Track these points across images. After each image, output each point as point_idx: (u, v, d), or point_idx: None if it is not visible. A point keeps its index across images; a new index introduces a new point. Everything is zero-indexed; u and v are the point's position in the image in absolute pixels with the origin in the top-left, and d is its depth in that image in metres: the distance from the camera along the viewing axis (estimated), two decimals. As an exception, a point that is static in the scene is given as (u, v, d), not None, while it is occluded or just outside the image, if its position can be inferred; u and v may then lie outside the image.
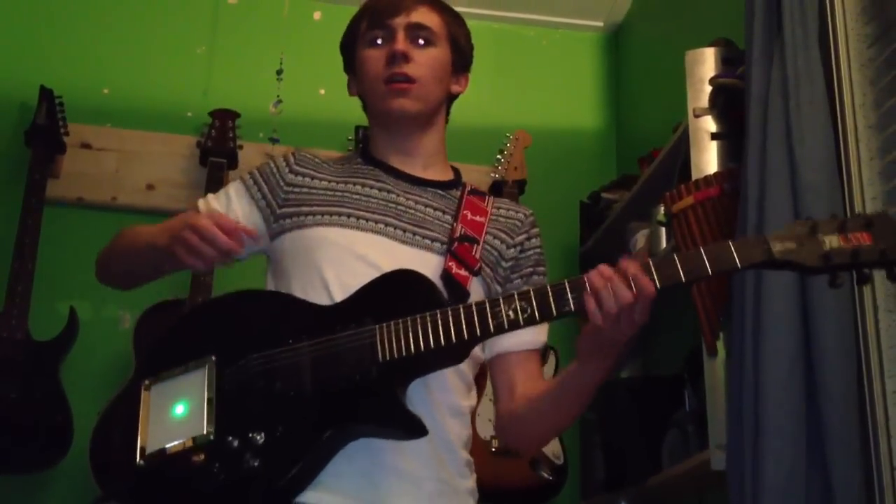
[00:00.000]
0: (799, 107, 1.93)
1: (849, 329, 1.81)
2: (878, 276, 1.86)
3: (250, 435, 1.39)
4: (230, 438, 1.39)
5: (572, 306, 1.35)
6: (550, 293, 1.36)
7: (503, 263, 1.66)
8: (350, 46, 1.72)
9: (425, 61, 1.64)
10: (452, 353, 1.43)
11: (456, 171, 1.75)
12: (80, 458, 2.66)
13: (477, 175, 3.25)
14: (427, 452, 1.48)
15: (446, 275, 1.54)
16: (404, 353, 1.39)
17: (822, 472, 1.74)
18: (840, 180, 1.91)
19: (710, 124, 2.31)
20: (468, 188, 1.71)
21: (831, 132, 1.93)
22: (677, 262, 1.32)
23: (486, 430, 2.75)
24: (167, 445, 1.41)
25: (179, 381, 1.46)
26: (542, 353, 2.90)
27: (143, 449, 1.43)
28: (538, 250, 1.70)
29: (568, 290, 1.36)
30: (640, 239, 2.75)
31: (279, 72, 3.23)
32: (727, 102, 2.27)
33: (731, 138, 2.26)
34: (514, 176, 3.27)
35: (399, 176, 1.66)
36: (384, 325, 1.41)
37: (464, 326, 1.38)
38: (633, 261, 1.34)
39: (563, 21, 3.83)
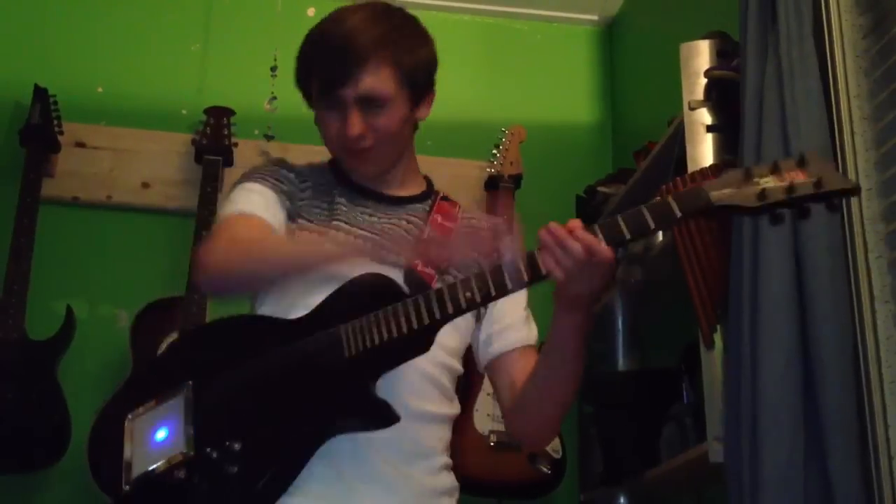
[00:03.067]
0: (794, 98, 1.93)
1: (846, 319, 1.81)
2: (875, 266, 1.87)
3: (227, 444, 1.43)
4: (208, 450, 1.44)
5: (525, 276, 1.37)
6: (504, 267, 1.38)
7: None
8: (304, 93, 1.70)
9: (381, 126, 1.59)
10: (416, 342, 1.44)
11: (428, 181, 1.77)
12: (78, 457, 2.65)
13: (472, 170, 3.25)
14: (400, 457, 1.50)
15: (410, 271, 1.55)
16: (368, 346, 1.42)
17: (821, 463, 1.74)
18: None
19: (705, 117, 2.31)
20: (440, 196, 1.73)
21: (826, 123, 1.93)
22: (621, 221, 1.34)
23: (484, 426, 2.75)
24: (150, 468, 1.47)
25: (160, 409, 1.51)
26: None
27: (128, 475, 1.48)
28: None
29: (521, 263, 1.37)
30: (637, 232, 2.74)
31: (273, 68, 3.23)
32: (722, 95, 2.27)
33: (727, 131, 2.26)
34: (509, 171, 3.27)
35: (377, 198, 1.67)
36: (348, 324, 1.44)
37: (423, 312, 1.41)
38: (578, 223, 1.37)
39: (557, 15, 3.82)
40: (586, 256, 1.33)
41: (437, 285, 1.55)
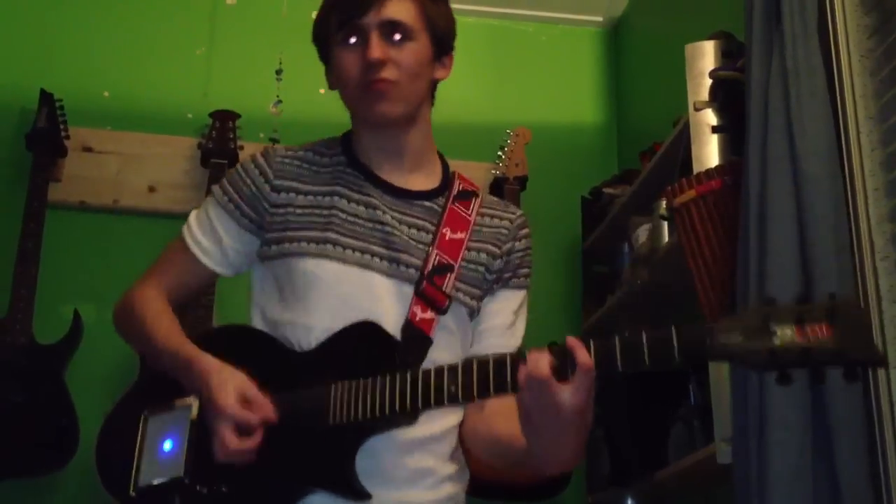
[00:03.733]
0: (799, 98, 1.92)
1: (853, 320, 1.80)
2: (882, 267, 1.86)
3: (215, 487, 1.46)
4: (199, 487, 1.47)
5: (509, 388, 1.29)
6: (492, 371, 1.31)
7: (488, 276, 1.62)
8: (322, 39, 1.62)
9: (403, 60, 1.54)
10: (401, 420, 1.44)
11: (444, 168, 1.69)
12: (86, 461, 2.65)
13: (478, 172, 3.25)
14: (397, 483, 1.49)
15: (408, 324, 1.52)
16: (352, 418, 1.41)
17: (829, 464, 1.74)
18: (841, 171, 1.91)
19: (710, 117, 2.30)
20: (456, 190, 1.64)
21: (832, 123, 1.93)
22: (617, 347, 1.23)
23: (491, 427, 2.75)
24: (153, 481, 1.51)
25: (170, 416, 1.54)
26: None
27: (136, 479, 1.52)
28: (521, 253, 1.65)
29: (508, 369, 1.29)
30: (642, 234, 2.75)
31: (278, 72, 3.23)
32: (727, 95, 2.27)
33: (732, 131, 2.26)
34: (515, 172, 3.27)
35: (384, 188, 1.60)
36: (338, 386, 1.43)
37: (408, 397, 1.38)
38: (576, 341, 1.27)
39: (562, 16, 3.82)
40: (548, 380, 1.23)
41: (433, 335, 1.53)
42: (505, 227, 1.65)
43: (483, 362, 1.33)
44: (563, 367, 1.24)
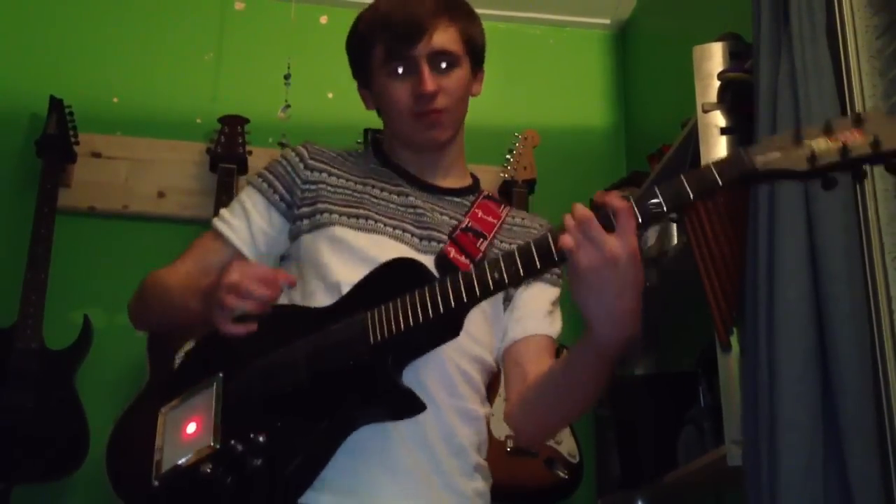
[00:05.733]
0: (808, 99, 1.92)
1: (863, 321, 1.80)
2: (892, 268, 1.86)
3: (252, 436, 1.42)
4: (233, 443, 1.42)
5: (556, 256, 1.28)
6: (534, 246, 1.30)
7: None
8: (362, 62, 1.65)
9: (451, 87, 1.59)
10: (444, 327, 1.40)
11: (474, 179, 1.75)
12: (96, 466, 2.67)
13: (487, 175, 3.24)
14: (432, 454, 1.48)
15: (442, 257, 1.53)
16: (394, 331, 1.38)
17: (840, 466, 1.74)
18: (851, 172, 1.91)
19: (719, 119, 2.30)
20: (484, 194, 1.71)
21: (841, 124, 1.93)
22: (658, 191, 1.23)
23: (501, 431, 2.75)
24: (179, 462, 1.47)
25: (191, 401, 1.52)
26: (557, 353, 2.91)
27: (157, 469, 1.48)
28: None
29: (550, 239, 1.28)
30: (651, 236, 2.74)
31: (287, 76, 3.24)
32: (736, 97, 2.27)
33: (741, 133, 2.25)
34: (523, 175, 3.27)
35: (416, 184, 1.65)
36: (375, 309, 1.41)
37: (450, 295, 1.35)
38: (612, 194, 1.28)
39: (570, 19, 3.83)
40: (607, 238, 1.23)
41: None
42: (535, 228, 1.70)
43: (522, 245, 1.31)
44: (605, 216, 1.24)
